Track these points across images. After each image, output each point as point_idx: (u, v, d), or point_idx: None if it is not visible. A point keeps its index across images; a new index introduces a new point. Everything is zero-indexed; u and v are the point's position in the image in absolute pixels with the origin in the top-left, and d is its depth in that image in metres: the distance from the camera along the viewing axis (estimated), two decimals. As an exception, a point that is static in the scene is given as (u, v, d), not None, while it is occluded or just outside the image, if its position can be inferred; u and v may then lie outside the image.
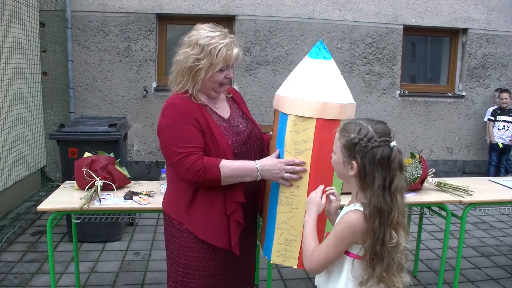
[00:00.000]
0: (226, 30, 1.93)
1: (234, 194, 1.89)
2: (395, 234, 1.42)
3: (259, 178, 1.87)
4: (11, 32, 4.71)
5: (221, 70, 1.89)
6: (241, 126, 2.01)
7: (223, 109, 2.03)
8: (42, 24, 5.65)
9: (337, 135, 1.54)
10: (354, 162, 1.45)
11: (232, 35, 1.93)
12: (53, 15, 5.66)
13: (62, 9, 5.67)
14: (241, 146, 1.95)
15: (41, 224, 4.49)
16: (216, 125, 1.91)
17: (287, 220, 1.88)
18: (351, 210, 1.46)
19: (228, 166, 1.84)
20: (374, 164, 1.41)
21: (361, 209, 1.44)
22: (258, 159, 1.91)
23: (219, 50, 1.84)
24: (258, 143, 2.04)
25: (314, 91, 1.78)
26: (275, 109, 1.95)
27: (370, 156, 1.42)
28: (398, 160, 1.42)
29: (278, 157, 1.88)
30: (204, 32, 1.88)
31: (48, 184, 5.71)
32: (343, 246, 1.45)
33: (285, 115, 1.84)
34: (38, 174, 5.59)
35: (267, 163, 1.86)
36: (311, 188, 1.78)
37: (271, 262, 1.97)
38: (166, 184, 2.12)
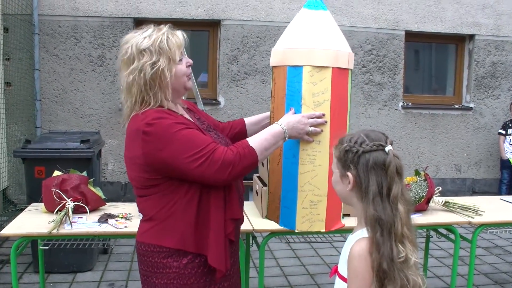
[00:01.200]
0: (152, 24, 1.91)
1: (233, 212, 1.88)
2: (401, 247, 1.40)
3: (287, 139, 1.90)
4: (-29, 38, 4.72)
5: (180, 61, 1.88)
6: (214, 136, 2.03)
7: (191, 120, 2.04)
8: (5, 29, 5.66)
9: (333, 151, 1.56)
10: (349, 173, 1.46)
11: (163, 25, 1.92)
12: (19, 19, 5.68)
13: (29, 12, 5.69)
14: None
15: (3, 253, 4.44)
16: (206, 131, 1.92)
17: (310, 180, 1.95)
18: (355, 242, 1.44)
19: (257, 140, 1.84)
20: (368, 170, 1.42)
21: (365, 235, 1.42)
22: None
23: (167, 40, 1.83)
24: None
25: (324, 40, 1.92)
26: (276, 66, 2.03)
27: (363, 162, 1.43)
28: (394, 164, 1.42)
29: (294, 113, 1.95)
30: (137, 37, 1.83)
31: (10, 208, 5.64)
32: (368, 281, 1.40)
33: (298, 67, 1.94)
34: (-1, 197, 5.54)
35: (290, 120, 1.90)
36: (332, 141, 1.86)
37: (296, 230, 2.01)
38: None
